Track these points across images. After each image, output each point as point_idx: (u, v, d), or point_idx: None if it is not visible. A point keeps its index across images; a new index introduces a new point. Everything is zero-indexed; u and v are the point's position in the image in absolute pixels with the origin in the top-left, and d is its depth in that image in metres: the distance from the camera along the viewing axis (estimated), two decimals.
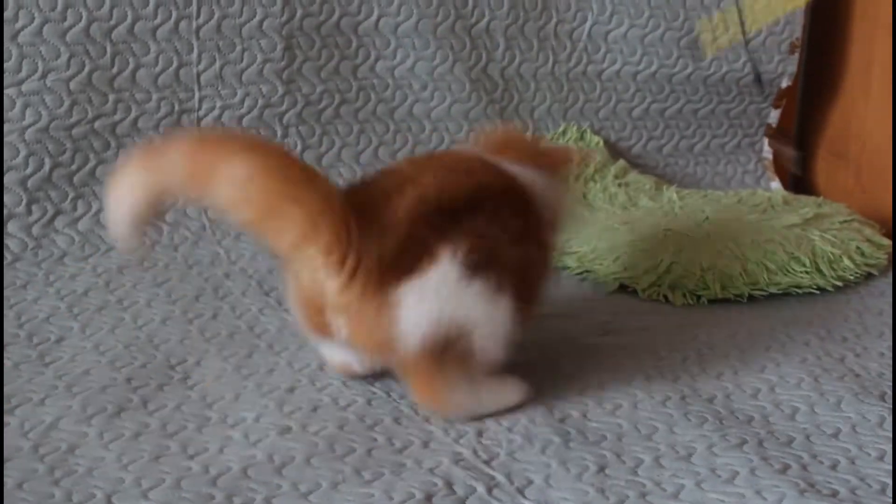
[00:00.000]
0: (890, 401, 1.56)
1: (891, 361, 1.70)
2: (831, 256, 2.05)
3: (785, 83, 2.60)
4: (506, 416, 1.48)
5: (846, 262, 2.06)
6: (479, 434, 1.43)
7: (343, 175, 2.26)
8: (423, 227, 1.38)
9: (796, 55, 2.58)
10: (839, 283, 2.04)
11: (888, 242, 2.18)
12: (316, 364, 1.63)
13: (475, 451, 1.39)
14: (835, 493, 1.31)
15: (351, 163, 2.28)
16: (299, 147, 2.23)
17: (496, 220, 1.42)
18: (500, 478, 1.33)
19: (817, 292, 2.02)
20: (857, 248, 2.10)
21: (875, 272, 2.11)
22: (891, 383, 1.62)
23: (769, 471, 1.35)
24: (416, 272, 1.37)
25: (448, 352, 1.39)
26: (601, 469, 1.36)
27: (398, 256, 1.37)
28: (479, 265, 1.39)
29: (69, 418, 1.43)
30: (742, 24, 2.49)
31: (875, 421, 1.50)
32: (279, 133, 2.22)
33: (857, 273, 2.07)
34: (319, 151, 2.26)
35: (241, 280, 1.95)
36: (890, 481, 1.34)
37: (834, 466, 1.38)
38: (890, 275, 2.13)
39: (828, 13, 2.64)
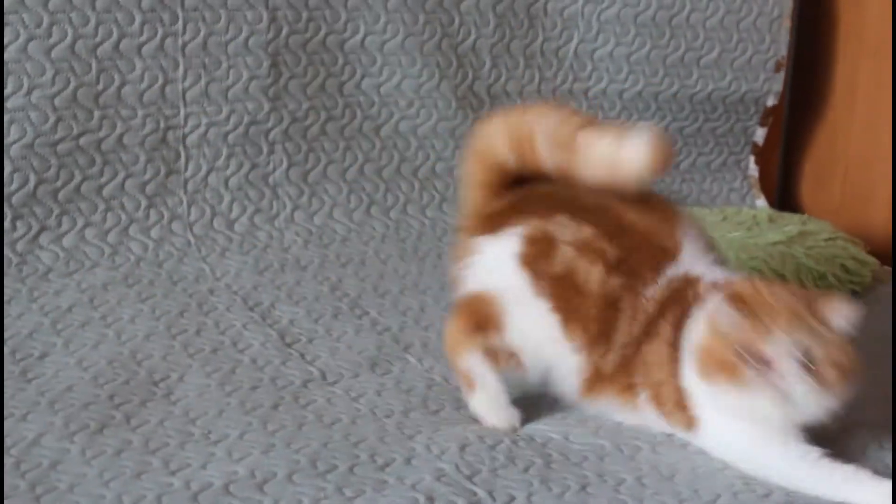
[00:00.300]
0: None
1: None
2: (816, 273, 2.06)
3: (771, 102, 2.61)
4: (489, 434, 1.48)
5: (830, 279, 2.07)
6: (462, 450, 1.43)
7: (329, 192, 2.26)
8: None
9: (782, 74, 2.59)
10: None
11: (873, 260, 2.19)
12: (300, 381, 1.63)
13: (457, 468, 1.39)
14: None
15: (337, 180, 2.28)
16: (285, 164, 2.24)
17: None
18: (482, 494, 1.33)
19: None
20: (842, 265, 2.11)
21: (859, 289, 2.12)
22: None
23: (752, 496, 1.35)
24: None
25: None
26: (583, 488, 1.36)
27: None
28: None
29: (51, 434, 1.43)
30: None
31: (858, 450, 1.49)
32: (265, 150, 2.22)
33: (841, 290, 2.07)
34: (305, 168, 2.26)
35: (226, 296, 1.95)
36: None
37: None
38: (876, 291, 2.13)
39: (813, 33, 2.65)
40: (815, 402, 1.31)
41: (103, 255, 2.05)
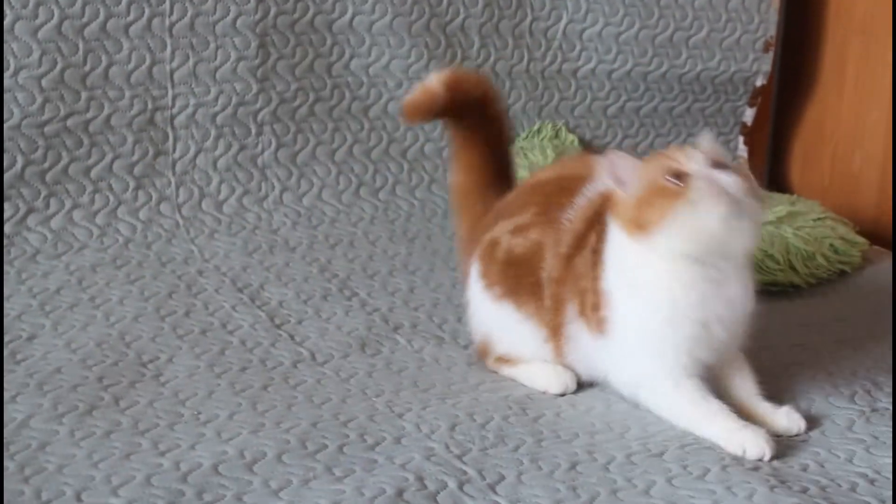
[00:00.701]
0: (861, 401, 1.56)
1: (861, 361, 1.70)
2: (805, 254, 2.06)
3: (760, 82, 2.61)
4: (479, 413, 1.48)
5: (819, 259, 2.07)
6: (452, 429, 1.43)
7: (318, 173, 2.25)
8: None
9: (770, 54, 2.59)
10: (813, 281, 2.04)
11: (862, 240, 2.19)
12: (290, 362, 1.63)
13: (447, 447, 1.39)
14: (805, 490, 1.31)
15: (326, 161, 2.27)
16: (273, 145, 2.23)
17: None
18: (472, 473, 1.33)
19: (791, 290, 2.02)
20: (831, 245, 2.11)
21: (849, 269, 2.12)
22: (865, 382, 1.62)
23: (740, 469, 1.35)
24: None
25: None
26: (573, 466, 1.35)
27: None
28: None
29: (40, 416, 1.42)
30: None
31: (843, 424, 1.49)
32: (253, 131, 2.22)
33: (830, 270, 2.08)
34: (294, 149, 2.25)
35: (215, 277, 1.95)
36: (861, 481, 1.35)
37: (804, 468, 1.37)
38: (865, 271, 2.14)
39: (802, 13, 2.65)
40: (743, 193, 1.38)
41: (91, 236, 2.04)
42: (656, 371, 1.45)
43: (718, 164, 1.39)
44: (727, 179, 1.37)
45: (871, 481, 1.34)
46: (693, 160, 1.39)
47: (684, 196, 1.37)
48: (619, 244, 1.45)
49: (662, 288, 1.42)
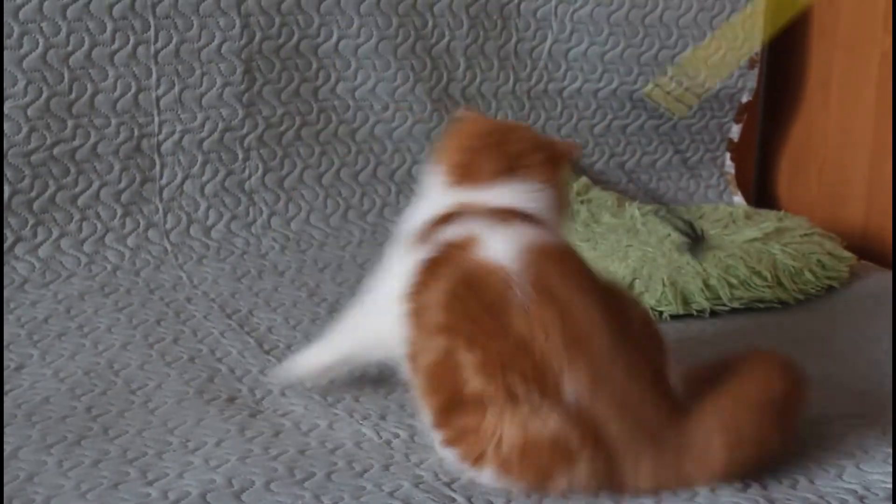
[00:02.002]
0: (851, 415, 1.56)
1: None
2: (792, 270, 2.06)
3: (745, 98, 2.62)
4: None
5: (807, 275, 2.07)
6: (442, 458, 1.43)
7: (305, 197, 2.26)
8: None
9: (756, 70, 2.60)
10: (801, 297, 2.05)
11: (850, 255, 2.19)
12: (278, 388, 1.63)
13: (436, 475, 1.38)
14: None
15: (313, 185, 2.28)
16: (261, 170, 2.23)
17: None
18: (461, 500, 1.33)
19: (779, 306, 2.02)
20: (818, 261, 2.11)
21: (836, 285, 2.12)
22: (854, 396, 1.62)
23: (730, 489, 1.35)
24: None
25: None
26: (564, 493, 1.35)
27: None
28: None
29: (28, 448, 1.42)
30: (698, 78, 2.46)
31: (834, 439, 1.49)
32: (240, 156, 2.22)
33: (818, 286, 2.08)
34: (281, 174, 2.25)
35: (204, 304, 1.95)
36: (850, 498, 1.35)
37: (793, 486, 1.38)
38: (852, 286, 2.14)
39: (787, 29, 2.65)
40: None
41: (79, 264, 2.04)
42: None
43: None
44: None
45: (861, 498, 1.35)
46: None
47: None
48: None
49: None
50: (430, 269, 1.39)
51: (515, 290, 1.32)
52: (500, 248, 1.36)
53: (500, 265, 1.34)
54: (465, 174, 1.49)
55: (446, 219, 1.45)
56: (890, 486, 1.37)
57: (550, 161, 1.51)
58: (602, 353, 1.32)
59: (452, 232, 1.41)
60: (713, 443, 1.31)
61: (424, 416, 1.39)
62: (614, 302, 1.37)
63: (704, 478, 1.32)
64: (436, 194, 1.51)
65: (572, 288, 1.35)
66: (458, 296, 1.35)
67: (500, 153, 1.50)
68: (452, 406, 1.35)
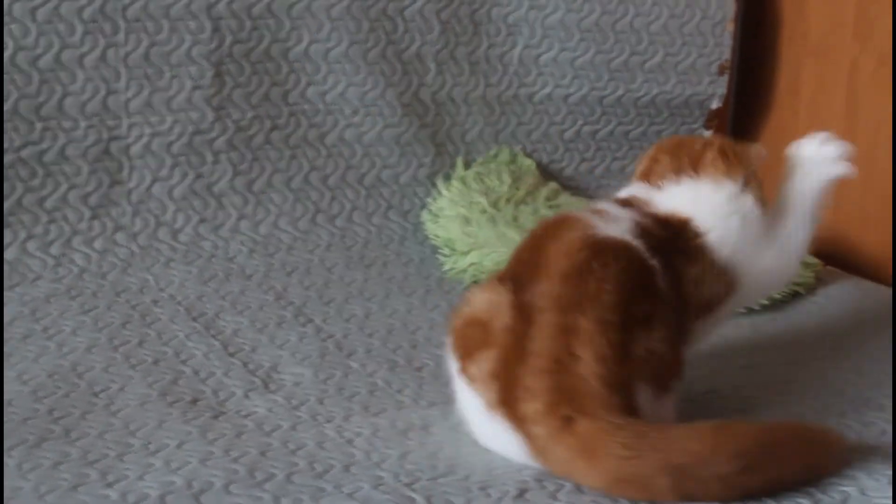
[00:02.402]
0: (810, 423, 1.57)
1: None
2: None
3: (715, 105, 2.63)
4: (431, 443, 1.48)
5: None
6: (403, 458, 1.43)
7: (274, 201, 2.26)
8: None
9: (726, 77, 2.61)
10: (766, 302, 2.06)
11: (815, 261, 2.20)
12: (242, 391, 1.63)
13: (397, 476, 1.39)
14: None
15: (282, 189, 2.28)
16: (230, 173, 2.24)
17: None
18: (420, 500, 1.33)
19: (744, 311, 2.03)
20: None
21: (802, 290, 2.13)
22: (815, 403, 1.63)
23: None
24: None
25: None
26: (521, 494, 1.36)
27: None
28: None
29: None
30: None
31: None
32: (209, 160, 2.22)
33: (784, 292, 2.09)
34: (251, 178, 2.26)
35: (170, 307, 1.95)
36: None
37: None
38: (817, 292, 2.15)
39: (757, 36, 2.67)
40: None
41: (46, 267, 2.04)
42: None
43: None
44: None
45: (817, 502, 1.35)
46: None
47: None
48: None
49: None
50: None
51: None
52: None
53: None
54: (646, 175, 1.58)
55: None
56: (847, 490, 1.38)
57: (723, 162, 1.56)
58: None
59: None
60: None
61: None
62: None
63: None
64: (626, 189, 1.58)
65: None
66: None
67: (674, 157, 1.57)
68: None
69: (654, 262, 1.42)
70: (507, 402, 1.38)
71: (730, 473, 1.29)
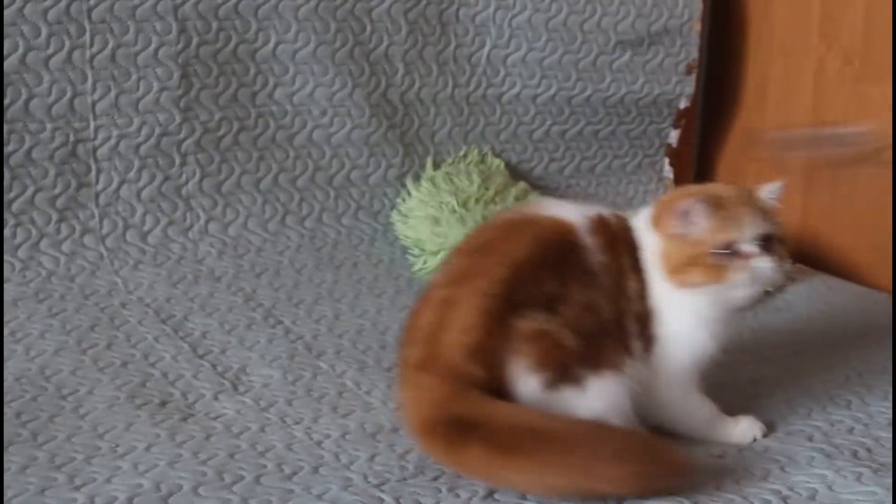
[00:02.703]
0: (779, 426, 1.58)
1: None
2: None
3: (683, 104, 2.63)
4: (399, 445, 1.48)
5: None
6: (371, 460, 1.43)
7: (243, 202, 2.25)
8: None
9: (693, 76, 2.61)
10: None
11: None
12: (211, 393, 1.62)
13: (365, 477, 1.39)
14: None
15: (251, 190, 2.27)
16: (198, 175, 2.23)
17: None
18: (389, 501, 1.33)
19: None
20: None
21: (770, 288, 2.13)
22: (781, 404, 1.64)
23: (657, 499, 1.35)
24: None
25: None
26: (490, 494, 1.36)
27: None
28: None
29: None
30: None
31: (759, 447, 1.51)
32: (177, 161, 2.21)
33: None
34: (219, 179, 2.25)
35: (138, 309, 1.94)
36: None
37: (718, 487, 1.39)
38: (786, 290, 2.15)
39: (724, 35, 2.68)
40: (775, 276, 1.47)
41: (14, 270, 2.03)
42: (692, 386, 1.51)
43: (767, 239, 1.46)
44: (766, 266, 1.45)
45: (785, 498, 1.36)
46: (747, 233, 1.45)
47: (724, 276, 1.44)
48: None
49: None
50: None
51: None
52: None
53: None
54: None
55: None
56: (815, 486, 1.39)
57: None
58: None
59: None
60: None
61: None
62: None
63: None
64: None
65: None
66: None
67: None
68: None
69: (601, 255, 1.44)
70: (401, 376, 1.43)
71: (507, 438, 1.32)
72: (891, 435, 1.54)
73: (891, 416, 1.60)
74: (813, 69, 2.49)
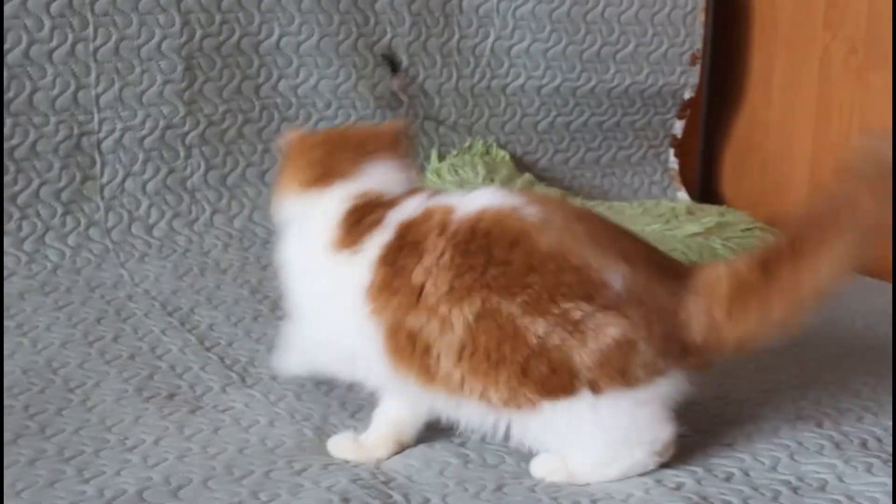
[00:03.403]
0: (787, 410, 1.57)
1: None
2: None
3: (688, 94, 2.63)
4: None
5: None
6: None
7: (248, 195, 2.25)
8: None
9: (698, 66, 2.61)
10: None
11: None
12: (219, 386, 1.62)
13: (374, 474, 1.38)
14: None
15: (256, 182, 2.27)
16: (203, 168, 2.23)
17: None
18: (398, 496, 1.32)
19: None
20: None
21: None
22: (791, 391, 1.64)
23: (663, 490, 1.35)
24: None
25: None
26: (499, 487, 1.35)
27: None
28: None
29: None
30: None
31: (769, 430, 1.51)
32: (182, 154, 2.21)
33: None
34: (223, 172, 2.25)
35: (145, 302, 1.94)
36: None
37: (728, 479, 1.38)
38: None
39: (728, 26, 2.67)
40: None
41: (19, 263, 2.03)
42: None
43: None
44: None
45: (795, 489, 1.36)
46: None
47: None
48: None
49: None
50: (405, 250, 1.35)
51: (524, 219, 1.32)
52: (475, 201, 1.36)
53: (493, 208, 1.34)
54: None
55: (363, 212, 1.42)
56: (824, 476, 1.38)
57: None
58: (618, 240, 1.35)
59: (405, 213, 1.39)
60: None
61: (494, 396, 1.32)
62: None
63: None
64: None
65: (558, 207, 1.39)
66: (465, 252, 1.32)
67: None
68: (528, 364, 1.31)
69: None
70: None
71: None
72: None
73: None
74: (818, 58, 2.48)
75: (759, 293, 1.32)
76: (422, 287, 1.32)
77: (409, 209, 1.38)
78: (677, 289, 1.33)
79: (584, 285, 1.29)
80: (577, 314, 1.29)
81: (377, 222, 1.39)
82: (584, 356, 1.29)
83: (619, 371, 1.30)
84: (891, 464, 1.40)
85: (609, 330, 1.29)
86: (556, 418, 1.32)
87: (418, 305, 1.32)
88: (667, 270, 1.36)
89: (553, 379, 1.30)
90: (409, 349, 1.33)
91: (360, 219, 1.40)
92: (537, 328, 1.29)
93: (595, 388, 1.30)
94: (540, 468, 1.37)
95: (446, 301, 1.31)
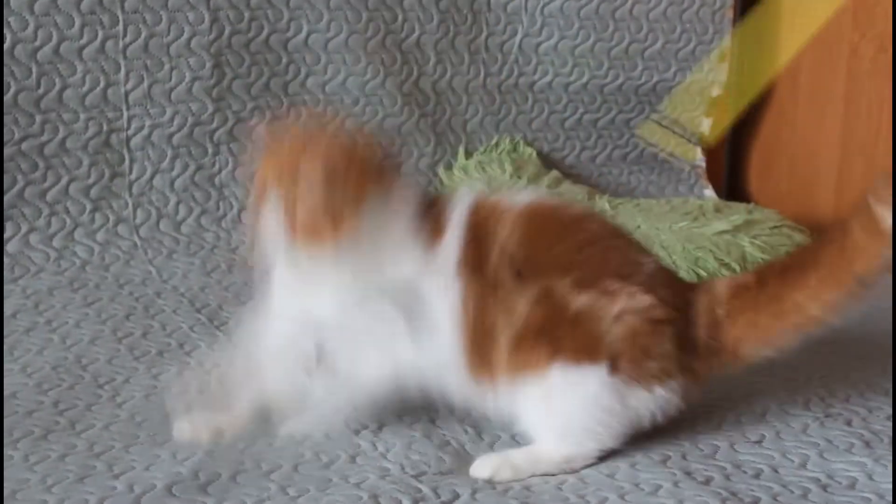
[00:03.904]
0: (815, 408, 1.57)
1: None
2: (761, 262, 2.07)
3: (716, 92, 2.62)
4: (436, 436, 1.47)
5: None
6: (408, 448, 1.43)
7: None
8: None
9: (726, 64, 2.60)
10: None
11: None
12: None
13: (402, 467, 1.38)
14: (756, 501, 1.32)
15: None
16: (231, 164, 2.23)
17: None
18: (427, 491, 1.33)
19: None
20: (787, 253, 2.12)
21: None
22: (820, 389, 1.63)
23: (692, 483, 1.35)
24: None
25: None
26: (527, 486, 1.35)
27: None
28: None
29: None
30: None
31: (798, 428, 1.50)
32: (210, 151, 2.22)
33: None
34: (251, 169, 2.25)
35: (173, 298, 1.95)
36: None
37: (757, 475, 1.38)
38: None
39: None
40: None
41: (48, 259, 2.04)
42: None
43: None
44: None
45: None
46: None
47: None
48: None
49: None
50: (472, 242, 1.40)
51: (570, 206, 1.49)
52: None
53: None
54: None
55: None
56: (854, 474, 1.38)
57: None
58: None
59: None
60: None
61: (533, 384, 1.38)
62: None
63: None
64: None
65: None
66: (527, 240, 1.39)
67: None
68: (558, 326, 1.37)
69: None
70: None
71: None
72: None
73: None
74: (846, 57, 2.47)
75: (756, 298, 1.41)
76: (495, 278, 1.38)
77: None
78: (685, 290, 1.44)
79: (625, 266, 1.39)
80: (615, 286, 1.37)
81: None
82: (614, 326, 1.36)
83: (642, 350, 1.36)
84: None
85: (642, 298, 1.37)
86: (557, 387, 1.37)
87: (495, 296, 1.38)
88: (674, 274, 1.50)
89: (580, 338, 1.36)
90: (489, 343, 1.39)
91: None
92: (581, 300, 1.36)
93: (614, 366, 1.36)
94: (485, 468, 1.38)
95: (514, 287, 1.38)
